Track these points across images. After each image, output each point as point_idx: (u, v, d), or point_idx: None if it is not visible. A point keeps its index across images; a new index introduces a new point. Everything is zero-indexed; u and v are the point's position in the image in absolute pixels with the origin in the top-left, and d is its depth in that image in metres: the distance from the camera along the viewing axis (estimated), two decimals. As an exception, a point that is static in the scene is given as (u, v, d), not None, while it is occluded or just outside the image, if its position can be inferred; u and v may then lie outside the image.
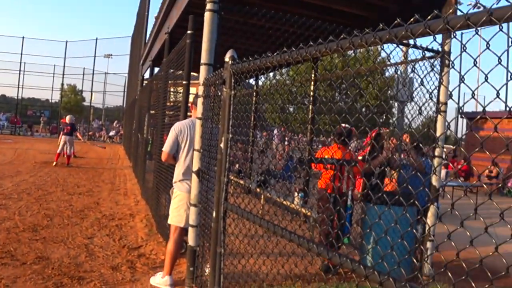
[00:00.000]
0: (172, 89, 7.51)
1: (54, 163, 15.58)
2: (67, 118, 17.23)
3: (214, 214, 3.55)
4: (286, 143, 18.36)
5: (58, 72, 42.63)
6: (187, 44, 5.66)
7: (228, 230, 3.75)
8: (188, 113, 5.72)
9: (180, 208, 4.79)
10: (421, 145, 6.60)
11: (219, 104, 4.08)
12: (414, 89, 7.39)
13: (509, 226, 1.54)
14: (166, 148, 4.86)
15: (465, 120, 20.31)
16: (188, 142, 4.84)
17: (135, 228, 7.25)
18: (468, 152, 17.04)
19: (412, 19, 1.90)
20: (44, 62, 54.37)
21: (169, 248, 4.79)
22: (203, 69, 4.53)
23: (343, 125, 5.67)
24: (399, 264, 1.98)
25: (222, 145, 3.49)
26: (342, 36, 2.30)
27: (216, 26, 4.55)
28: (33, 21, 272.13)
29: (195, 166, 4.48)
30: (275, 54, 2.74)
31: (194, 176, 4.49)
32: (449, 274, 1.91)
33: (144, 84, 14.71)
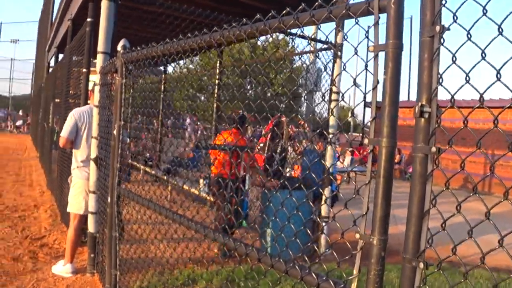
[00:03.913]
0: (74, 77, 7.39)
1: None
2: None
3: (109, 199, 3.64)
4: (198, 132, 18.40)
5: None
6: (86, 32, 5.64)
7: (126, 217, 3.86)
8: (88, 101, 5.69)
9: (79, 195, 4.80)
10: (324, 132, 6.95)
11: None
12: (319, 79, 7.74)
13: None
14: (65, 133, 4.80)
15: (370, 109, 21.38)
16: (86, 129, 4.84)
17: (39, 219, 7.12)
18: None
19: (300, 7, 2.09)
20: None
21: (69, 236, 4.80)
22: (99, 58, 4.57)
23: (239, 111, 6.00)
24: (287, 246, 2.15)
25: (115, 132, 3.58)
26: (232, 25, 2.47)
27: (112, 15, 4.60)
28: None
29: (93, 153, 4.53)
30: (159, 44, 2.87)
31: (92, 163, 4.54)
32: (334, 253, 2.10)
33: (49, 71, 14.23)
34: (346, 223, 1.75)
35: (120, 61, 3.53)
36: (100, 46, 4.56)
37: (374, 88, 1.66)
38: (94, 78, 6.56)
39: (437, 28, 1.45)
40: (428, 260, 1.47)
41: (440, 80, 1.48)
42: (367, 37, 1.69)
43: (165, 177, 8.93)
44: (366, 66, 1.70)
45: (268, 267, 2.09)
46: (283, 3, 7.22)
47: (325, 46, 6.28)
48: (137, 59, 3.31)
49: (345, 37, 1.82)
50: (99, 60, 4.56)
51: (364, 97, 2.17)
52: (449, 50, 1.44)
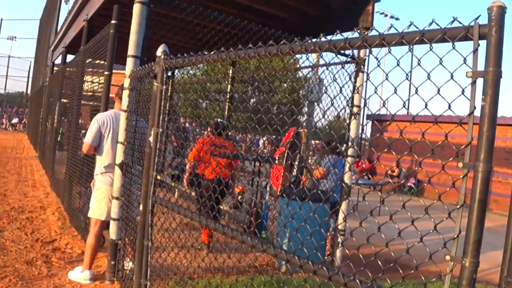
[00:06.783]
0: (90, 79, 7.29)
1: None
2: None
3: (141, 208, 3.56)
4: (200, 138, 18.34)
5: (-46, 53, 40.25)
6: (110, 34, 5.55)
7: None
8: (110, 105, 5.62)
9: (102, 201, 4.70)
10: (338, 145, 6.92)
11: (145, 98, 4.08)
12: (324, 91, 7.72)
13: (397, 226, 1.75)
14: (88, 139, 4.72)
15: (369, 122, 21.36)
16: (111, 134, 4.75)
17: (48, 221, 6.99)
18: (371, 152, 17.94)
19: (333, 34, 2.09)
20: None
21: (89, 242, 4.69)
22: (130, 62, 4.49)
23: (219, 119, 6.43)
24: (302, 244, 2.22)
25: (151, 138, 3.51)
26: (270, 42, 2.44)
27: (144, 19, 4.53)
28: None
29: (119, 159, 4.44)
30: (212, 53, 2.81)
31: (117, 169, 4.45)
32: (351, 264, 2.16)
33: (54, 71, 14.12)
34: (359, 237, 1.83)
35: (161, 67, 3.45)
36: (131, 50, 4.48)
37: (471, 113, 1.64)
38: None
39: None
40: None
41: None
42: (465, 63, 1.66)
43: (172, 183, 8.84)
44: (463, 91, 1.65)
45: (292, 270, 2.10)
46: (304, 12, 7.25)
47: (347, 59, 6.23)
48: (181, 66, 3.25)
49: (440, 61, 1.78)
50: (129, 64, 4.48)
51: (363, 111, 2.14)
52: None
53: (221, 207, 7.30)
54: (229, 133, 6.70)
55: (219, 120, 7.11)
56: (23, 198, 8.66)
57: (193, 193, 8.11)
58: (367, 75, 2.09)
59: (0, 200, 8.14)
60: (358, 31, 2.26)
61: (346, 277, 1.88)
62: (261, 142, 25.04)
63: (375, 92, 1.95)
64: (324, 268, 2.00)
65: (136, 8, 4.48)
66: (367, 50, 5.69)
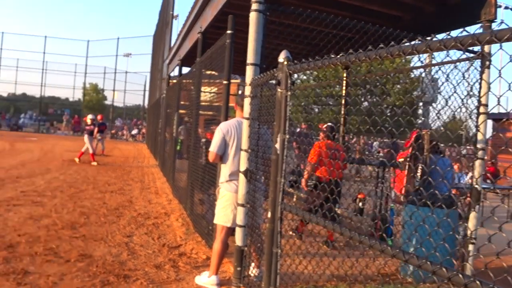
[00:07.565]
0: (207, 89, 7.52)
1: (94, 163, 15.74)
2: (98, 117, 17.78)
3: (269, 215, 3.56)
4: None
5: (80, 71, 43.96)
6: (227, 44, 5.68)
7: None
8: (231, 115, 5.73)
9: (227, 208, 4.80)
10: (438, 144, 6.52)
11: (267, 105, 4.10)
12: (439, 90, 7.32)
13: None
14: (214, 148, 4.85)
15: (490, 122, 19.90)
16: (235, 142, 4.84)
17: (172, 227, 7.30)
18: (493, 154, 16.80)
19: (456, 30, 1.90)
20: (66, 61, 54.44)
21: (216, 248, 4.81)
22: (249, 69, 4.53)
23: (330, 124, 6.53)
24: (435, 249, 2.04)
25: (277, 145, 3.49)
26: (386, 44, 2.30)
27: (262, 27, 4.55)
28: (56, 21, 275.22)
29: (243, 166, 4.49)
30: (339, 55, 2.72)
31: (241, 176, 4.50)
32: (490, 273, 1.95)
33: (171, 83, 14.80)
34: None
35: (284, 73, 3.44)
36: (250, 58, 4.52)
37: None
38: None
39: None
40: None
41: None
42: None
43: (291, 190, 8.86)
44: None
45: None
46: (419, 9, 6.95)
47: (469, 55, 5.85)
48: (306, 70, 3.21)
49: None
50: (249, 72, 4.52)
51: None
52: None
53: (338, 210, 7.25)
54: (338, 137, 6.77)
55: (331, 124, 7.10)
56: (147, 204, 9.14)
57: (301, 195, 8.20)
58: (499, 72, 1.87)
59: (127, 206, 8.65)
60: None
61: (484, 285, 1.69)
62: (374, 145, 24.45)
63: (510, 89, 1.76)
64: (460, 275, 1.82)
65: (253, 16, 4.52)
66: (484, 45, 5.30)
